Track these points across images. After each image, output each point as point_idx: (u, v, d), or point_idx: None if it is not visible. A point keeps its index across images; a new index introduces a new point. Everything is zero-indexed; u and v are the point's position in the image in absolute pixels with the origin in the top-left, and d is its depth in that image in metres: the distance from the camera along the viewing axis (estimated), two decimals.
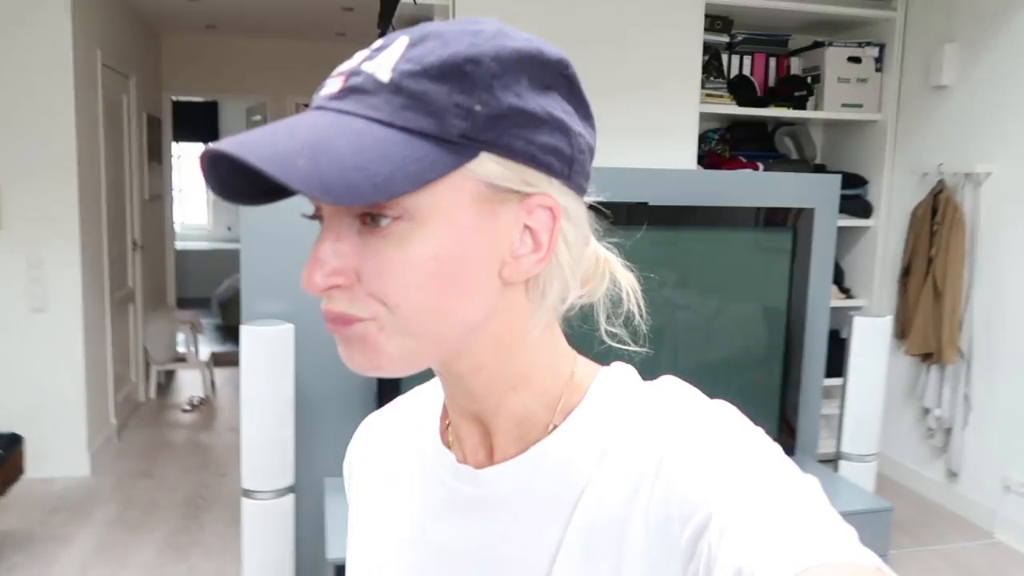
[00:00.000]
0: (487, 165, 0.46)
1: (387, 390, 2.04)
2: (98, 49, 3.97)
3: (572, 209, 0.51)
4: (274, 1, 4.69)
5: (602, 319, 0.58)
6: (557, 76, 0.49)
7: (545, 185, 0.49)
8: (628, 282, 0.59)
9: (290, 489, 2.06)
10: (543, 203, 0.49)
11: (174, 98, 6.01)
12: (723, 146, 3.65)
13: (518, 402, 0.54)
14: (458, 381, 0.54)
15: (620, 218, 2.11)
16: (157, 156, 5.49)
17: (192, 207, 9.63)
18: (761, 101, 3.57)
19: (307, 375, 2.14)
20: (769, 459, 0.47)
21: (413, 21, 3.50)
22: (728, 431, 0.49)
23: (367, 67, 0.46)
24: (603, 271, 0.59)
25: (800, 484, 0.45)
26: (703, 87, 3.33)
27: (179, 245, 7.12)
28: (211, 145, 0.43)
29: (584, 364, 0.57)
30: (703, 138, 3.62)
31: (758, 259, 2.29)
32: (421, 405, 0.64)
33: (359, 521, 0.65)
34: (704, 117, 3.42)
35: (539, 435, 0.54)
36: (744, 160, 3.53)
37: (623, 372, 0.57)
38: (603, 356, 0.59)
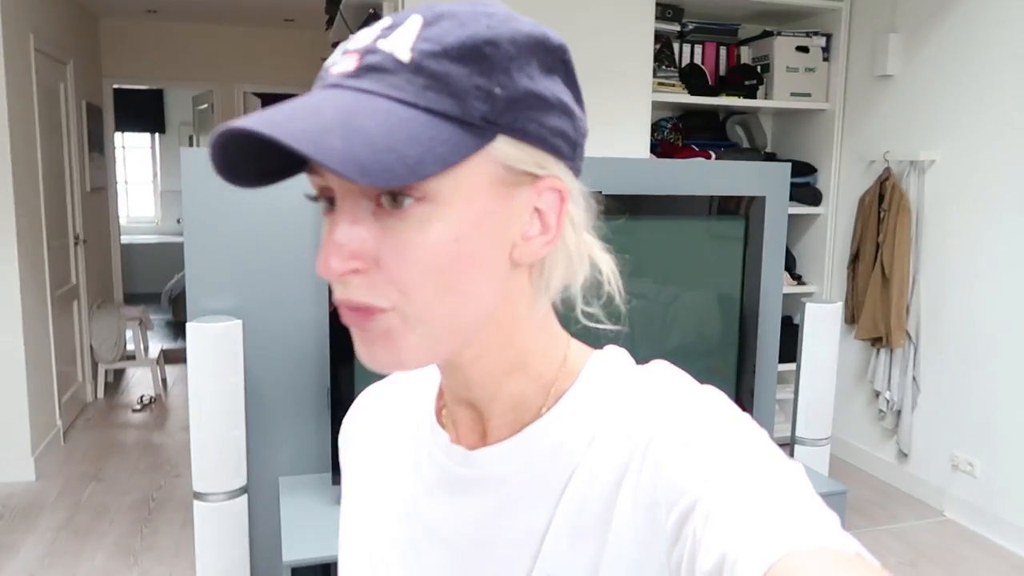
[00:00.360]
0: (504, 148, 0.47)
1: (341, 386, 2.00)
2: (30, 33, 3.80)
3: (576, 191, 0.52)
4: None
5: (579, 301, 0.58)
6: (558, 61, 0.50)
7: (554, 168, 0.50)
8: (607, 265, 0.58)
9: (243, 490, 2.01)
10: (553, 185, 0.50)
11: (116, 86, 5.81)
12: (676, 135, 3.67)
13: (514, 387, 0.55)
14: (456, 372, 0.54)
15: None
16: (99, 146, 5.31)
17: (139, 199, 9.37)
18: (713, 90, 3.59)
19: (257, 372, 2.08)
20: (755, 445, 0.47)
21: (361, 7, 3.43)
22: (715, 416, 0.50)
23: (383, 45, 0.46)
24: (583, 254, 0.58)
25: (785, 470, 0.45)
26: (655, 76, 3.34)
27: (125, 239, 6.92)
28: (235, 123, 0.42)
29: (576, 347, 0.58)
30: (656, 127, 3.63)
31: (711, 247, 2.31)
32: (419, 382, 0.65)
33: (352, 493, 0.66)
34: (656, 106, 3.43)
35: (532, 418, 0.55)
36: (696, 149, 3.55)
37: (615, 355, 0.57)
38: (580, 336, 0.59)
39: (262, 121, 0.41)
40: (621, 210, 2.14)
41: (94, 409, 4.78)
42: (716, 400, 0.52)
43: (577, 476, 0.52)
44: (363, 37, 0.47)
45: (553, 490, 0.53)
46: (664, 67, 3.43)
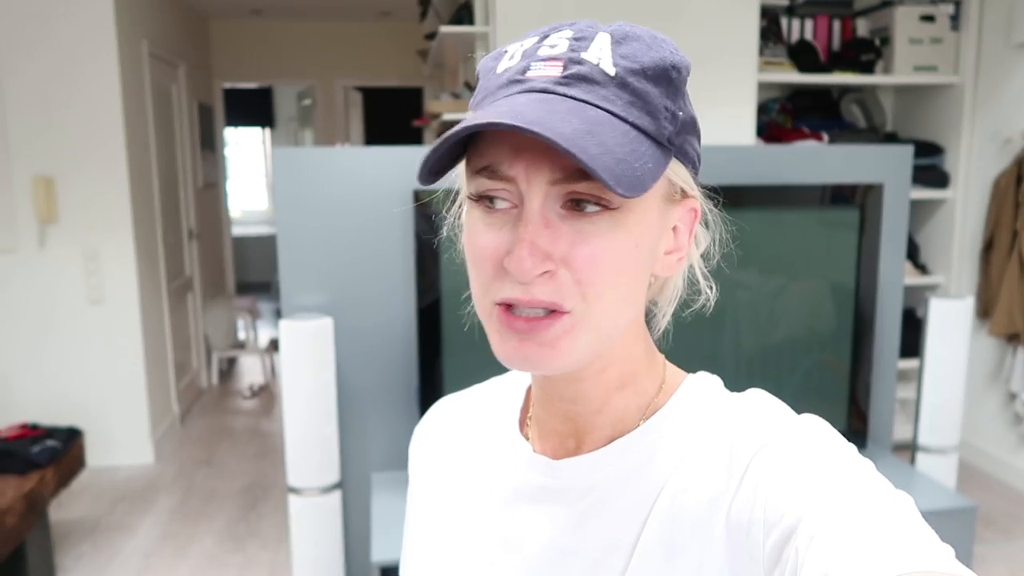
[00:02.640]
0: (675, 166, 0.50)
1: (429, 384, 1.97)
2: (144, 39, 3.98)
3: (704, 214, 0.55)
4: None
5: (666, 320, 0.60)
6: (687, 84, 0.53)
7: (695, 189, 0.53)
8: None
9: (337, 485, 2.02)
10: (693, 205, 0.53)
11: (225, 86, 6.04)
12: (785, 116, 3.45)
13: (619, 402, 0.55)
14: (570, 384, 0.54)
15: None
16: (210, 144, 5.54)
17: (251, 193, 9.77)
18: (825, 67, 3.34)
19: (349, 369, 2.08)
20: (861, 471, 0.46)
21: (453, 1, 3.39)
22: (820, 441, 0.49)
23: (586, 56, 0.47)
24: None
25: (894, 498, 0.44)
26: (761, 55, 3.14)
27: (238, 230, 7.22)
28: (503, 119, 0.43)
29: (672, 368, 0.59)
30: (763, 108, 3.42)
31: (823, 236, 2.14)
32: (499, 395, 0.65)
33: (420, 502, 0.65)
34: (763, 87, 3.23)
35: (626, 433, 0.55)
36: (807, 131, 3.33)
37: (709, 380, 0.58)
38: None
39: (524, 120, 0.43)
40: (717, 201, 2.01)
41: (209, 395, 5.01)
42: (820, 426, 0.51)
43: (667, 492, 0.52)
44: (556, 46, 0.48)
45: (640, 505, 0.52)
46: (771, 45, 3.23)
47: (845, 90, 3.63)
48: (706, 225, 0.57)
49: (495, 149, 0.48)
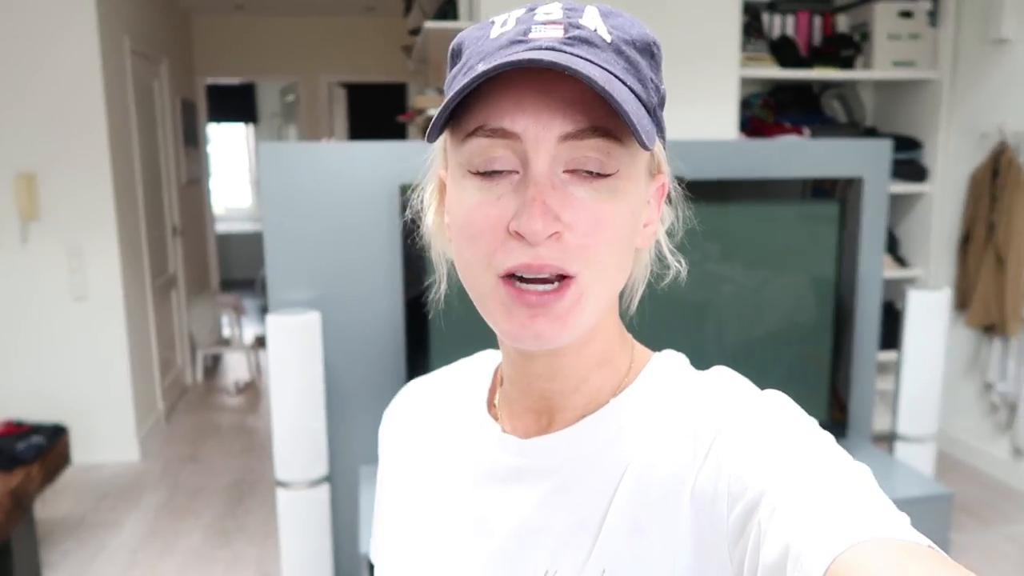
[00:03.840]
0: (657, 140, 0.51)
1: (416, 377, 1.99)
2: (126, 36, 3.95)
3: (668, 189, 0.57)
4: None
5: (638, 295, 0.60)
6: None
7: (665, 164, 0.55)
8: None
9: (325, 479, 2.03)
10: (663, 180, 0.55)
11: (208, 81, 6.01)
12: (767, 111, 3.49)
13: (596, 380, 0.56)
14: (550, 361, 0.54)
15: None
16: (193, 140, 5.51)
17: (234, 190, 9.71)
18: (806, 62, 3.39)
19: (336, 363, 2.10)
20: (823, 445, 0.47)
21: None
22: (782, 416, 0.49)
23: (585, 22, 0.48)
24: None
25: (853, 470, 0.45)
26: (743, 50, 3.17)
27: (222, 227, 7.19)
28: (540, 56, 0.44)
29: (639, 346, 0.59)
30: (745, 103, 3.46)
31: (804, 229, 2.17)
32: (467, 376, 0.65)
33: (391, 485, 0.65)
34: (746, 82, 3.27)
35: (595, 410, 0.55)
36: (789, 125, 3.37)
37: (676, 357, 0.59)
38: None
39: (564, 60, 0.44)
40: (694, 197, 2.04)
41: (194, 392, 4.99)
42: (782, 402, 0.51)
43: (633, 469, 0.52)
44: (551, 12, 0.49)
45: (607, 482, 0.53)
46: (753, 40, 3.26)
47: (826, 85, 3.67)
48: (669, 201, 0.58)
49: (492, 107, 0.47)
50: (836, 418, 2.25)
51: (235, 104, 8.82)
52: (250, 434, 4.26)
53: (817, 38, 3.51)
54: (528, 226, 0.46)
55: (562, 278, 0.48)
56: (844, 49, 3.41)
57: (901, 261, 3.73)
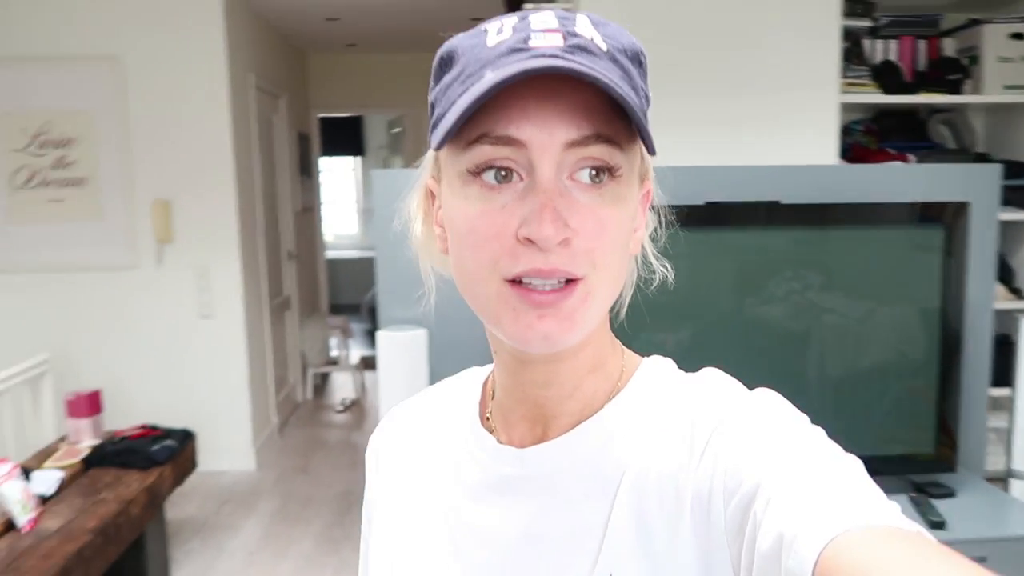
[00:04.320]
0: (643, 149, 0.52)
1: None
2: (251, 73, 4.29)
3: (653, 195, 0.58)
4: (407, 18, 4.88)
5: (627, 300, 0.61)
6: None
7: (651, 171, 0.56)
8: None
9: None
10: (649, 187, 0.56)
11: (321, 115, 6.39)
12: (869, 138, 3.44)
13: (590, 386, 0.56)
14: (545, 367, 0.54)
15: (754, 219, 2.05)
16: (307, 170, 5.86)
17: (342, 217, 10.18)
18: (910, 87, 3.33)
19: (440, 377, 2.21)
20: (814, 438, 0.48)
21: None
22: (774, 412, 0.51)
23: (580, 30, 0.48)
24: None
25: (843, 461, 0.46)
26: (843, 76, 3.16)
27: (331, 254, 7.56)
28: (560, 64, 0.44)
29: (628, 351, 0.60)
30: (846, 130, 3.42)
31: (908, 257, 2.15)
32: (453, 393, 0.66)
33: (383, 508, 0.65)
34: (846, 108, 3.24)
35: (590, 416, 0.56)
36: (893, 152, 3.31)
37: (664, 362, 0.60)
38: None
39: (578, 65, 0.45)
40: (793, 222, 2.06)
41: (304, 408, 5.27)
42: (774, 398, 0.53)
43: (631, 472, 0.52)
44: (547, 21, 0.49)
45: (606, 486, 0.53)
46: (854, 66, 3.24)
47: (933, 110, 3.59)
48: (651, 208, 0.59)
49: (496, 115, 0.47)
50: (944, 455, 2.17)
51: (344, 137, 9.27)
52: (356, 449, 4.46)
53: (922, 62, 3.44)
54: (539, 232, 0.46)
55: (568, 280, 0.48)
56: (951, 73, 3.33)
57: (1017, 292, 3.58)
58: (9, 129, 3.72)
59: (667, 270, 0.61)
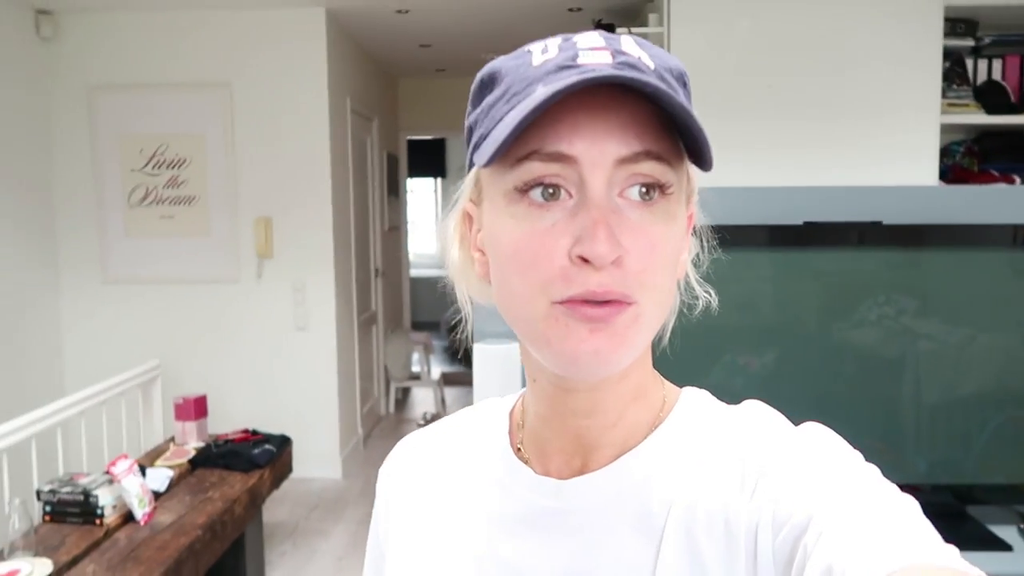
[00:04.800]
0: (692, 168, 0.51)
1: None
2: (348, 96, 4.49)
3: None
4: (498, 43, 4.97)
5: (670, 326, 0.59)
6: None
7: (696, 193, 0.54)
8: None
9: None
10: (692, 209, 0.54)
11: (409, 137, 6.59)
12: (970, 159, 3.34)
13: (632, 415, 0.54)
14: (589, 395, 0.52)
15: (851, 240, 2.04)
16: (395, 190, 6.05)
17: (423, 237, 10.42)
18: (1015, 108, 3.23)
19: None
20: (869, 474, 0.47)
21: None
22: (827, 446, 0.49)
23: (627, 49, 0.48)
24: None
25: (900, 499, 0.45)
26: (944, 96, 3.09)
27: (413, 272, 7.73)
28: (616, 72, 0.43)
29: (667, 381, 0.58)
30: (945, 152, 3.34)
31: (1013, 281, 2.09)
32: (476, 423, 0.63)
33: (401, 540, 0.61)
34: (946, 129, 3.16)
35: (632, 448, 0.54)
36: (996, 174, 3.21)
37: (703, 393, 0.58)
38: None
39: (638, 77, 0.43)
40: (891, 243, 2.03)
41: (386, 421, 5.40)
42: (826, 432, 0.51)
43: (678, 507, 0.50)
44: (592, 40, 0.48)
45: (652, 522, 0.51)
46: (955, 86, 3.17)
47: None
48: (693, 232, 0.57)
49: (548, 130, 0.46)
50: None
51: (427, 158, 9.53)
52: None
53: None
54: (594, 249, 0.44)
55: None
56: None
57: None
58: (130, 150, 4.00)
59: (711, 296, 0.58)
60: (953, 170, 3.31)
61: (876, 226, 1.99)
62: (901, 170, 2.94)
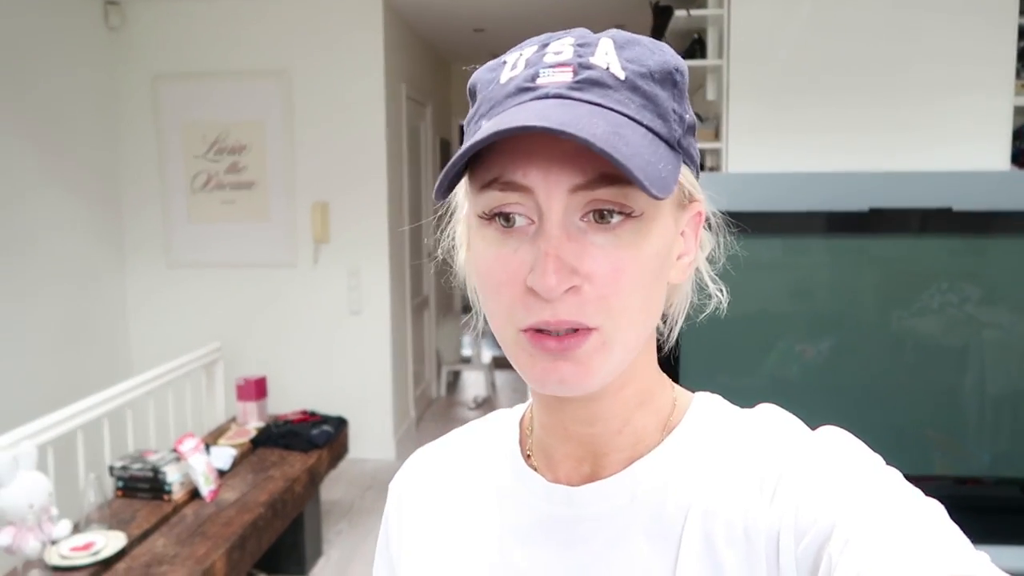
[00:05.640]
0: (684, 170, 0.49)
1: None
2: (403, 83, 4.52)
3: (706, 215, 0.55)
4: (551, 26, 4.95)
5: (676, 330, 0.58)
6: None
7: (699, 192, 0.52)
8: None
9: None
10: (699, 208, 0.52)
11: (462, 123, 6.61)
12: None
13: (639, 421, 0.53)
14: (587, 405, 0.52)
15: (915, 226, 1.98)
16: None
17: None
18: None
19: None
20: (893, 479, 0.46)
21: (686, 35, 3.54)
22: (847, 451, 0.48)
23: (595, 61, 0.46)
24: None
25: (925, 504, 0.44)
26: (1018, 77, 2.97)
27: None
28: (534, 122, 0.41)
29: (677, 386, 0.57)
30: (1018, 134, 3.22)
31: None
32: (486, 434, 0.63)
33: (413, 553, 0.61)
34: (1019, 111, 3.05)
35: (646, 453, 0.53)
36: None
37: (715, 397, 0.56)
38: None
39: (557, 122, 0.41)
40: (958, 230, 1.98)
41: (438, 404, 5.47)
42: (846, 437, 0.50)
43: (695, 512, 0.50)
44: (561, 52, 0.47)
45: (669, 528, 0.50)
46: None
47: None
48: (708, 227, 0.56)
49: (505, 159, 0.46)
50: None
51: None
52: None
53: None
54: (542, 282, 0.44)
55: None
56: None
57: None
58: (192, 137, 4.10)
59: (722, 295, 0.57)
60: None
61: (945, 212, 1.94)
62: (971, 153, 2.84)
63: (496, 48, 5.14)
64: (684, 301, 0.56)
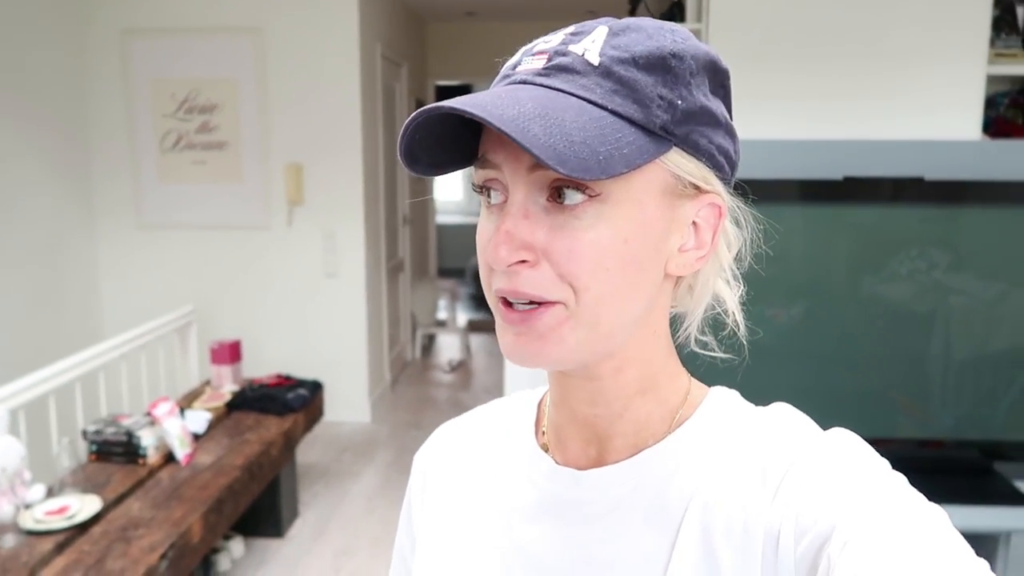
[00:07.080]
0: (677, 159, 0.49)
1: None
2: (378, 42, 4.44)
3: (733, 211, 0.54)
4: None
5: (695, 327, 0.58)
6: (722, 86, 0.53)
7: (716, 184, 0.52)
8: (729, 295, 0.58)
9: None
10: (714, 201, 0.52)
11: (437, 83, 6.52)
12: (1015, 111, 3.25)
13: (642, 408, 0.54)
14: (586, 385, 0.54)
15: (888, 195, 2.01)
16: None
17: (448, 183, 10.39)
18: None
19: None
20: (897, 484, 0.47)
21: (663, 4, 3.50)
22: (852, 453, 0.49)
23: (573, 48, 0.48)
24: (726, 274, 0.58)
25: (928, 509, 0.44)
26: (992, 46, 2.99)
27: (439, 219, 7.76)
28: (447, 103, 0.44)
29: (695, 381, 0.58)
30: (989, 103, 3.25)
31: None
32: (507, 412, 0.64)
33: (432, 527, 0.64)
34: (992, 80, 3.07)
35: (652, 443, 0.54)
36: None
37: (731, 393, 0.57)
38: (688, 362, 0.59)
39: (470, 104, 0.43)
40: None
41: (413, 367, 5.48)
42: (853, 439, 0.51)
43: (696, 503, 0.51)
44: (550, 41, 0.50)
45: (669, 516, 0.52)
46: (1004, 35, 3.06)
47: None
48: (736, 224, 0.55)
49: (490, 138, 0.49)
50: None
51: None
52: (463, 408, 4.53)
53: None
54: (492, 255, 0.47)
55: (542, 302, 0.48)
56: None
57: None
58: (160, 95, 4.01)
59: (734, 295, 0.58)
60: (996, 122, 3.22)
61: (917, 182, 1.97)
62: (943, 122, 2.86)
63: (472, 6, 5.08)
64: (700, 298, 0.56)
